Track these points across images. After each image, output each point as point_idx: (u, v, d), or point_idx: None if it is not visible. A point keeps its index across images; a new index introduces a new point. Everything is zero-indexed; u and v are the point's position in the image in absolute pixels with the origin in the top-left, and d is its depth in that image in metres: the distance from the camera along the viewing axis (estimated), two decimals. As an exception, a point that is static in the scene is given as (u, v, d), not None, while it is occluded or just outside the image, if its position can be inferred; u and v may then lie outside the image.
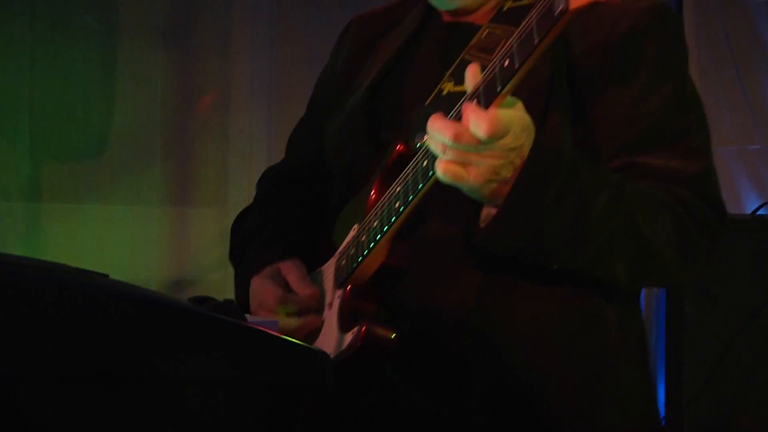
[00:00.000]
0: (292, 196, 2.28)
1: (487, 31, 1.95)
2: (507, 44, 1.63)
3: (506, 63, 1.62)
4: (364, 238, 1.90)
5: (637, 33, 1.87)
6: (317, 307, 1.99)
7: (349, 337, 1.85)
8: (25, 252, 3.91)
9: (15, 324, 1.18)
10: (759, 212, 4.54)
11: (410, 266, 1.90)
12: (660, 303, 4.80)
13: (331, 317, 1.95)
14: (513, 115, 1.65)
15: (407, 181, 1.81)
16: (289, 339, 1.44)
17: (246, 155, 4.38)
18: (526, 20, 1.61)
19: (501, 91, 1.62)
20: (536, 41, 1.57)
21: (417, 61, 2.07)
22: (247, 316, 1.64)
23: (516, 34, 1.62)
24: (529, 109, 1.70)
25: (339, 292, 1.95)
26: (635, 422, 1.96)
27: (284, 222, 2.22)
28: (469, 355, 1.87)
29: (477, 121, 1.61)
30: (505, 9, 1.95)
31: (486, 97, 1.64)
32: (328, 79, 2.26)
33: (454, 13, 2.05)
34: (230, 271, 4.29)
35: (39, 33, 3.96)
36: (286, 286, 2.02)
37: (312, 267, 2.08)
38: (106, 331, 1.24)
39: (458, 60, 1.94)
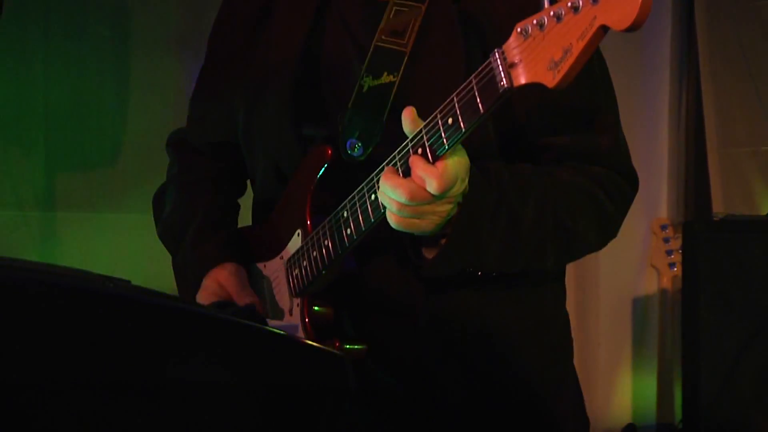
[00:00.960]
0: (208, 174, 2.31)
1: (394, 9, 1.97)
2: (449, 102, 1.69)
3: (450, 121, 1.68)
4: (315, 254, 1.96)
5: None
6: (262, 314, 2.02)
7: None
8: (40, 260, 3.92)
9: (40, 329, 1.19)
10: (773, 213, 4.52)
11: (360, 271, 1.99)
12: (676, 307, 4.79)
13: (293, 327, 2.00)
14: (458, 161, 1.74)
15: (356, 210, 1.86)
16: (312, 343, 1.45)
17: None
18: (467, 84, 1.66)
19: (447, 150, 1.69)
20: (481, 112, 1.64)
21: (327, 44, 2.06)
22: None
23: (457, 94, 1.67)
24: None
25: (298, 301, 2.00)
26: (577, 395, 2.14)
27: (210, 211, 2.25)
28: (426, 347, 1.97)
29: (429, 179, 1.70)
30: None
31: (432, 153, 1.71)
32: (224, 38, 2.26)
33: None
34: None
35: (53, 42, 3.98)
36: (226, 296, 2.04)
37: (247, 252, 2.13)
38: (131, 337, 1.25)
39: (371, 48, 1.96)
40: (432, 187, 1.70)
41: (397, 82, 1.92)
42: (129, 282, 1.33)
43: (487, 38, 1.92)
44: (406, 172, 1.74)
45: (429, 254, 1.87)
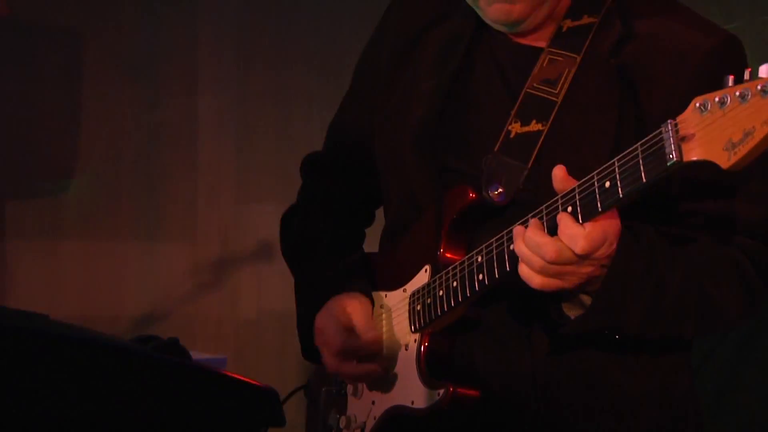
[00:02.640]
0: (339, 199, 2.31)
1: (548, 57, 1.96)
2: (609, 166, 1.66)
3: (607, 185, 1.66)
4: (442, 293, 1.94)
5: (702, 78, 1.83)
6: (379, 349, 2.03)
7: (434, 396, 1.91)
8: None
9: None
10: None
11: (483, 319, 1.96)
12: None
13: (408, 361, 1.99)
14: (608, 224, 1.72)
15: (492, 258, 1.84)
16: (238, 377, 1.43)
17: (215, 189, 4.37)
18: (632, 150, 1.63)
19: (601, 212, 1.68)
20: (643, 181, 1.61)
21: (477, 83, 2.05)
22: (192, 353, 1.63)
23: (618, 158, 1.65)
24: (597, 155, 1.77)
25: (416, 337, 1.99)
26: None
27: (338, 235, 2.26)
28: (538, 417, 1.92)
29: (575, 239, 1.69)
30: (564, 29, 1.97)
31: (584, 213, 1.69)
32: (371, 66, 2.24)
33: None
34: (199, 304, 4.30)
35: (4, 69, 3.96)
36: (350, 327, 2.05)
37: (372, 279, 2.13)
38: (46, 373, 1.23)
39: (522, 94, 1.96)
40: (578, 247, 1.69)
41: (545, 131, 1.91)
42: (47, 317, 1.31)
43: (640, 96, 1.89)
44: (552, 229, 1.73)
45: (569, 311, 1.84)
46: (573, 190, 1.71)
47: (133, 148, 4.25)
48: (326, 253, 2.22)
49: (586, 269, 1.74)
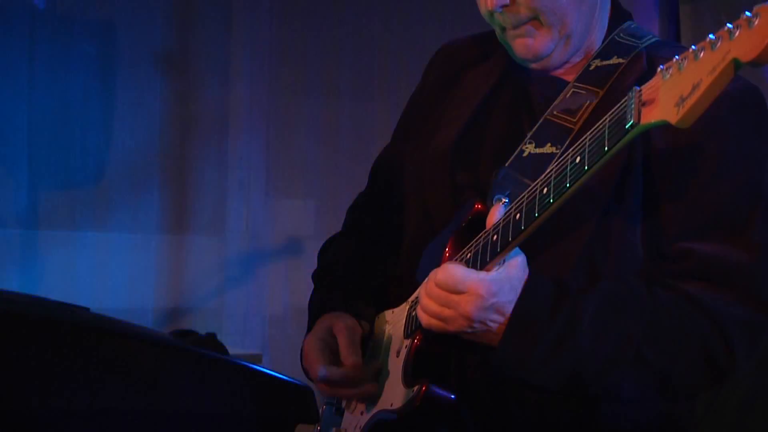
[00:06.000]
0: (373, 228, 2.34)
1: (572, 90, 2.00)
2: (581, 141, 1.70)
3: (578, 160, 1.70)
4: None
5: (714, 121, 1.81)
6: (361, 376, 2.03)
7: (410, 393, 1.91)
8: (21, 279, 3.90)
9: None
10: None
11: None
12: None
13: (397, 367, 2.00)
14: (509, 272, 1.79)
15: (477, 252, 1.86)
16: (273, 373, 1.43)
17: (244, 183, 4.38)
18: (601, 123, 1.67)
19: (569, 188, 1.71)
20: (606, 149, 1.65)
21: (501, 108, 2.10)
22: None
23: (590, 132, 1.68)
24: (603, 190, 1.82)
25: (407, 342, 2.00)
26: None
27: (358, 261, 2.29)
28: (520, 425, 1.92)
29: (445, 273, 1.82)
30: (592, 68, 2.01)
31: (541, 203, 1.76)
32: (414, 107, 2.31)
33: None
34: (227, 299, 4.31)
35: (38, 60, 3.98)
36: (334, 348, 2.07)
37: (386, 300, 2.15)
38: (86, 366, 1.23)
39: (541, 120, 2.00)
40: (437, 277, 1.78)
41: (558, 154, 1.93)
42: (88, 309, 1.32)
43: (651, 131, 1.82)
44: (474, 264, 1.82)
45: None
46: (550, 172, 1.75)
47: (164, 141, 4.26)
48: (337, 279, 2.26)
49: (466, 310, 1.77)
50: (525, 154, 1.98)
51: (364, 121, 4.39)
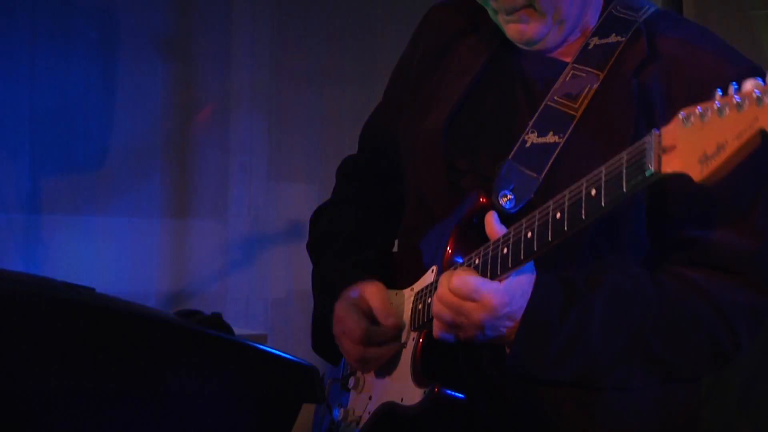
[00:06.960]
0: (366, 196, 2.33)
1: (572, 72, 1.98)
2: (596, 173, 1.69)
3: (593, 192, 1.69)
4: None
5: None
6: (398, 336, 2.05)
7: (421, 394, 1.93)
8: (24, 263, 3.91)
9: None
10: None
11: None
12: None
13: (405, 358, 2.01)
14: (518, 280, 1.81)
15: (486, 261, 1.86)
16: (279, 353, 1.44)
17: (246, 167, 4.38)
18: (617, 160, 1.65)
19: (585, 220, 1.71)
20: (623, 191, 1.64)
21: (498, 88, 2.07)
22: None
23: (607, 167, 1.67)
24: None
25: (414, 335, 2.01)
26: None
27: (360, 230, 2.27)
28: (525, 424, 1.94)
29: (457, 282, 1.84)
30: (591, 47, 1.99)
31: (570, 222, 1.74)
32: (403, 72, 2.27)
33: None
34: (229, 283, 4.32)
35: (40, 46, 3.97)
36: (369, 313, 2.07)
37: (381, 278, 2.15)
38: (92, 345, 1.24)
39: (542, 106, 1.97)
40: (450, 283, 1.80)
41: (561, 144, 1.92)
42: (93, 290, 1.32)
43: (656, 118, 1.87)
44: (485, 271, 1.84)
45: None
46: (564, 196, 1.73)
47: (166, 125, 4.26)
48: (345, 247, 2.24)
49: (479, 320, 1.79)
50: (528, 144, 1.96)
51: (366, 106, 4.37)
